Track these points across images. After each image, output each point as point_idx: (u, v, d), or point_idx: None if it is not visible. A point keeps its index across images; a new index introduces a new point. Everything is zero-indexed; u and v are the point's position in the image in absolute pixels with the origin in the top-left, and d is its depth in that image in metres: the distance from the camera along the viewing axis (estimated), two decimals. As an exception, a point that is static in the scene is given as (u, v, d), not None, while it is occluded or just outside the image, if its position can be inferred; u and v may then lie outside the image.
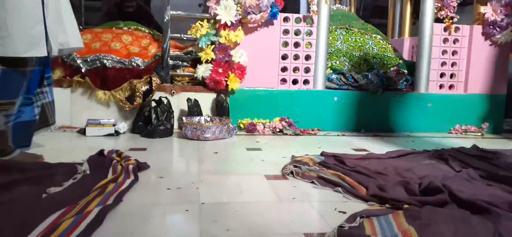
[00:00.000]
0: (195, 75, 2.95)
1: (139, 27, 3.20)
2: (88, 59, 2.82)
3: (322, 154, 2.07)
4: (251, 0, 2.79)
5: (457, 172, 1.81)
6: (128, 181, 1.49)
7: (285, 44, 3.09)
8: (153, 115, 2.59)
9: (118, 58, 2.85)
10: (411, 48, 4.27)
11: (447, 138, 2.98)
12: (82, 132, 2.61)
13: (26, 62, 1.64)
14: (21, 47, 1.54)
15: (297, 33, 3.10)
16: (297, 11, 8.31)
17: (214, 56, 2.89)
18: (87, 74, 2.79)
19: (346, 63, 3.46)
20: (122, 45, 2.95)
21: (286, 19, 3.06)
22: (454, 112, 3.23)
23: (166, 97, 2.73)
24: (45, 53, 1.62)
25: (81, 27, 3.17)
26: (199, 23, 2.88)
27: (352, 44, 3.66)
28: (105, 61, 2.82)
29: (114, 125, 2.62)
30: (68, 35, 1.79)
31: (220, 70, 2.89)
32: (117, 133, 2.62)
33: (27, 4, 1.54)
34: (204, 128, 2.48)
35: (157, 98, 2.74)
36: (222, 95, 2.90)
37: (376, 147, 2.49)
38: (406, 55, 4.27)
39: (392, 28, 4.98)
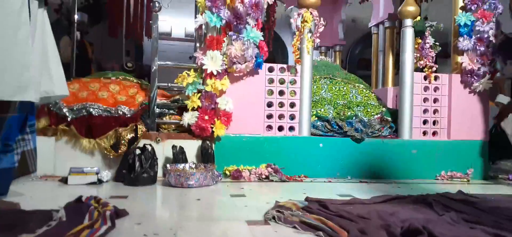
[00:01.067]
0: (181, 123, 2.96)
1: (127, 77, 3.25)
2: (74, 108, 2.83)
3: (306, 199, 2.05)
4: (236, 51, 2.88)
5: (440, 215, 1.80)
6: (104, 227, 1.45)
7: (270, 92, 3.15)
8: (137, 163, 2.57)
9: (104, 106, 2.87)
10: (394, 97, 4.36)
11: (433, 184, 2.99)
12: (64, 180, 2.57)
13: (6, 108, 1.64)
14: (7, 91, 1.55)
15: (282, 81, 3.17)
16: (286, 62, 8.57)
17: (200, 104, 2.93)
18: (73, 123, 2.79)
19: (331, 111, 3.52)
20: (109, 94, 2.98)
21: (270, 69, 3.15)
22: (439, 158, 3.26)
23: (150, 145, 2.72)
24: (31, 98, 1.63)
25: (71, 78, 3.21)
26: (186, 73, 2.93)
27: (336, 92, 3.74)
28: (91, 109, 2.83)
29: (97, 173, 2.59)
30: (54, 82, 1.82)
31: (206, 117, 2.91)
32: (100, 181, 2.58)
33: (16, 53, 1.57)
34: (188, 175, 2.46)
35: (141, 146, 2.73)
36: (207, 142, 2.90)
37: (362, 192, 2.48)
38: (390, 104, 4.36)
39: (376, 78, 5.13)
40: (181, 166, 2.69)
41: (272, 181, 2.83)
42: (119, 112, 2.88)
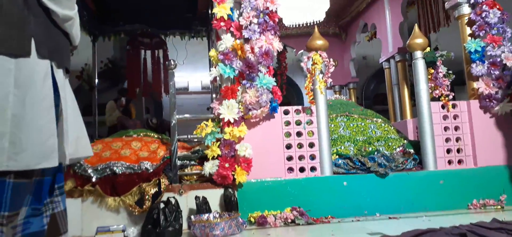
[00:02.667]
0: (203, 173, 2.99)
1: (148, 133, 3.33)
2: (99, 168, 2.90)
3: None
4: (250, 98, 2.94)
5: (476, 244, 1.73)
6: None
7: (288, 134, 3.17)
8: (162, 217, 2.58)
9: (127, 164, 2.93)
10: (415, 128, 4.34)
11: (466, 214, 2.88)
12: (92, 240, 2.59)
13: (32, 172, 1.69)
14: (33, 160, 1.60)
15: (298, 123, 3.20)
16: (301, 104, 8.62)
17: (220, 152, 2.96)
18: (98, 183, 2.84)
19: (351, 148, 3.51)
20: (132, 152, 3.05)
21: (286, 112, 3.19)
22: (468, 187, 3.16)
23: (173, 197, 2.74)
24: (56, 164, 1.67)
25: (94, 139, 3.31)
26: (204, 123, 3.00)
27: (354, 129, 3.73)
28: (115, 168, 2.89)
29: (123, 231, 2.60)
30: (78, 144, 1.87)
31: (227, 164, 2.93)
32: (126, 239, 2.59)
33: (42, 122, 1.64)
34: (212, 225, 2.45)
35: (165, 199, 2.75)
36: (230, 190, 2.90)
37: (392, 229, 2.41)
38: (411, 136, 4.33)
39: (394, 112, 5.12)
40: (205, 216, 2.68)
41: (298, 224, 2.79)
42: (142, 168, 2.93)
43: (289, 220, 2.82)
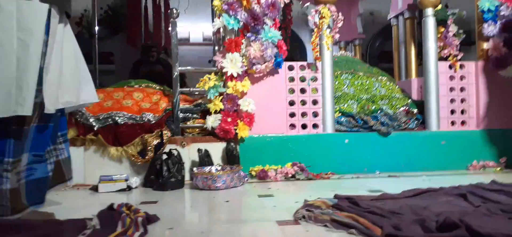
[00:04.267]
0: (205, 126, 2.98)
1: (150, 84, 3.29)
2: (101, 117, 2.89)
3: (336, 196, 2.03)
4: (255, 52, 2.88)
5: (476, 207, 1.74)
6: (137, 234, 1.47)
7: (292, 91, 3.13)
8: (164, 168, 2.60)
9: (129, 114, 2.92)
10: (419, 88, 4.27)
11: (465, 175, 2.90)
12: (95, 189, 2.63)
13: (23, 120, 1.67)
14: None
15: (302, 79, 3.15)
16: (305, 60, 8.47)
17: (222, 107, 2.94)
18: (100, 132, 2.85)
19: (354, 106, 3.48)
20: (134, 102, 3.03)
21: (290, 68, 3.13)
22: (469, 148, 3.17)
23: (176, 149, 2.75)
24: (28, 112, 1.63)
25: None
26: (207, 77, 2.95)
27: (358, 87, 3.69)
28: (117, 118, 2.88)
29: (126, 180, 2.63)
30: (81, 90, 1.86)
31: (229, 119, 2.92)
32: (129, 188, 2.62)
33: (38, 67, 1.62)
34: (215, 177, 2.48)
35: (167, 151, 2.76)
36: (232, 143, 2.91)
37: (392, 187, 2.43)
38: (415, 95, 4.26)
39: (399, 71, 5.03)
40: (207, 168, 2.71)
41: (298, 179, 2.81)
42: (144, 119, 2.92)
43: (290, 175, 2.85)
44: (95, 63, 5.29)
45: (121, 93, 3.08)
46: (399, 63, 5.09)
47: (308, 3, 5.94)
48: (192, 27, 10.18)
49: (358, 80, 3.75)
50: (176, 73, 3.04)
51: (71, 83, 1.81)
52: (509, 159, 3.15)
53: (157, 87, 3.28)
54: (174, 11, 3.02)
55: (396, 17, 5.03)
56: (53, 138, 1.87)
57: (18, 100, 1.57)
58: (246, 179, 2.71)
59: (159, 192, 2.53)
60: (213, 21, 5.92)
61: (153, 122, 2.94)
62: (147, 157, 2.80)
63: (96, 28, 5.29)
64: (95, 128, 2.85)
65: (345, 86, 3.68)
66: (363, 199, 1.96)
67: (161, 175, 2.58)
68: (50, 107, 1.67)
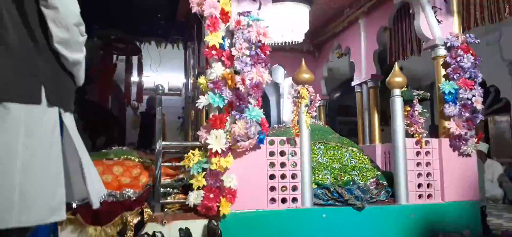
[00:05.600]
0: (187, 203, 2.97)
1: (129, 156, 3.25)
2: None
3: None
4: (239, 129, 2.96)
5: None
6: None
7: (272, 164, 3.22)
8: (148, 252, 2.55)
9: (109, 191, 2.86)
10: (383, 154, 4.55)
11: (434, 250, 3.09)
12: (72, 274, 2.51)
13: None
14: (43, 214, 1.55)
15: (282, 154, 3.26)
16: (269, 115, 8.80)
17: (205, 183, 2.96)
18: (78, 211, 2.75)
19: (328, 176, 3.61)
20: (113, 177, 2.98)
21: (271, 142, 3.24)
22: (435, 221, 3.38)
23: (160, 232, 2.70)
24: (64, 218, 1.63)
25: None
26: (192, 153, 2.98)
27: (331, 157, 3.85)
28: (96, 195, 2.80)
29: (106, 264, 2.54)
30: (90, 185, 1.83)
31: (212, 195, 2.93)
32: (109, 272, 2.53)
33: (51, 173, 1.58)
34: (202, 263, 2.46)
35: (150, 232, 2.71)
36: (213, 222, 2.91)
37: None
38: (379, 161, 4.52)
39: (363, 135, 5.32)
40: (191, 250, 2.68)
41: (281, 259, 2.85)
42: (125, 196, 2.88)
43: (272, 254, 2.88)
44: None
45: (101, 168, 3.01)
46: (363, 128, 5.39)
47: (275, 65, 6.24)
48: (158, 78, 10.19)
49: (330, 150, 3.92)
50: (158, 147, 3.04)
51: (82, 179, 1.79)
52: (471, 231, 3.39)
53: (137, 160, 3.25)
54: (160, 87, 3.06)
55: (360, 84, 5.38)
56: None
57: (21, 210, 1.52)
58: (231, 261, 2.71)
59: (143, 278, 2.46)
60: (185, 74, 5.95)
61: (133, 198, 2.90)
62: (127, 237, 2.73)
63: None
64: (74, 206, 2.75)
65: (319, 156, 3.83)
66: None
67: (145, 259, 2.52)
68: (65, 214, 1.64)
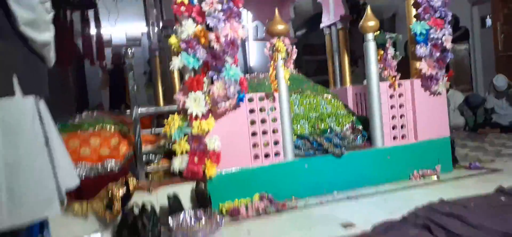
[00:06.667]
0: (172, 169, 2.94)
1: (104, 125, 3.13)
2: (58, 173, 2.69)
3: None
4: (218, 91, 2.89)
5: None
6: None
7: (253, 122, 3.21)
8: (139, 224, 2.53)
9: (90, 165, 2.77)
10: (354, 95, 4.64)
11: (411, 188, 3.27)
12: (62, 254, 2.47)
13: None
14: (36, 211, 1.47)
15: (262, 110, 3.24)
16: (245, 64, 8.58)
17: (188, 148, 2.92)
18: (59, 189, 2.65)
19: (306, 126, 3.68)
20: (92, 150, 2.87)
21: (250, 99, 3.20)
22: (410, 160, 3.56)
23: (150, 203, 2.67)
24: (59, 211, 1.55)
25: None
26: (171, 118, 2.90)
27: (307, 106, 3.90)
28: (78, 171, 2.71)
29: (97, 241, 2.51)
30: (66, 174, 1.74)
31: (196, 159, 2.92)
32: (101, 248, 2.51)
33: (38, 165, 1.49)
34: (195, 231, 2.48)
35: (136, 202, 2.68)
36: (201, 184, 2.92)
37: (359, 215, 2.66)
38: (351, 103, 4.61)
39: (334, 78, 5.36)
40: (181, 216, 2.69)
41: (269, 213, 2.93)
42: (107, 168, 2.80)
43: (260, 210, 2.95)
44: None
45: (77, 141, 2.89)
46: (333, 71, 5.42)
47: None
48: (114, 29, 9.60)
49: (306, 99, 3.96)
50: (135, 115, 2.93)
51: (59, 168, 1.68)
52: (443, 166, 3.61)
53: (113, 128, 3.13)
54: (129, 52, 2.89)
55: (329, 27, 5.33)
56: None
57: (11, 211, 1.43)
58: (222, 221, 2.74)
59: (137, 251, 2.47)
60: (147, 23, 5.63)
61: (116, 169, 2.82)
62: (115, 211, 2.68)
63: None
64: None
65: (296, 106, 3.86)
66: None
67: (137, 232, 2.51)
68: (60, 207, 1.56)
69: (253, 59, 10.93)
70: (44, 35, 1.59)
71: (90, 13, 5.94)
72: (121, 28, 9.67)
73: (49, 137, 1.61)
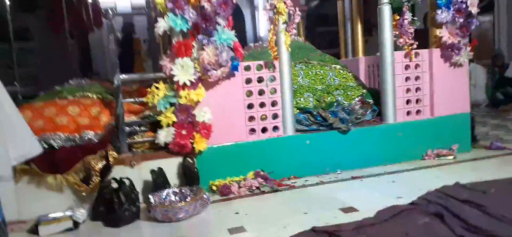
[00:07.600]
0: (157, 141, 2.68)
1: (86, 93, 2.87)
2: (31, 142, 2.45)
3: (313, 229, 1.91)
4: (209, 56, 2.58)
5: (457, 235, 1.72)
6: None
7: (249, 93, 2.91)
8: (115, 200, 2.29)
9: (66, 135, 2.52)
10: (367, 68, 4.26)
11: (424, 169, 2.93)
12: (34, 230, 2.26)
13: None
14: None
15: (260, 80, 2.93)
16: (244, 36, 8.25)
17: (175, 119, 2.64)
18: (33, 160, 2.42)
19: (311, 99, 3.34)
20: (69, 119, 2.61)
21: (247, 68, 2.89)
22: (424, 137, 3.22)
23: (128, 178, 2.42)
24: (11, 182, 1.36)
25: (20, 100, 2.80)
26: (155, 86, 2.62)
27: (313, 77, 3.56)
28: (51, 141, 2.47)
29: (71, 217, 2.29)
30: (26, 142, 1.55)
31: (184, 132, 2.64)
32: (76, 225, 2.29)
33: None
34: (176, 209, 2.23)
35: (117, 176, 2.44)
36: (189, 159, 2.65)
37: (362, 198, 2.37)
38: (363, 76, 4.24)
39: (345, 48, 4.98)
40: (164, 193, 2.44)
41: (264, 192, 2.66)
42: (85, 139, 2.54)
43: (254, 187, 2.68)
44: (11, 41, 4.57)
45: (53, 109, 2.63)
46: (345, 40, 5.03)
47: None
48: (119, -3, 9.25)
49: (312, 70, 3.62)
50: (117, 82, 2.66)
51: (15, 137, 1.50)
52: (460, 146, 3.25)
53: (95, 96, 2.87)
54: (110, 12, 2.59)
55: (342, -7, 4.92)
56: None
57: None
58: (208, 201, 2.48)
59: (112, 229, 2.24)
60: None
61: (95, 141, 2.57)
62: (92, 184, 2.45)
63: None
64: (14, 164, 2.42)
65: (300, 77, 3.52)
66: (342, 230, 1.86)
67: (113, 207, 2.28)
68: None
69: (264, 29, 10.50)
70: None
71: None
72: (126, -4, 9.36)
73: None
